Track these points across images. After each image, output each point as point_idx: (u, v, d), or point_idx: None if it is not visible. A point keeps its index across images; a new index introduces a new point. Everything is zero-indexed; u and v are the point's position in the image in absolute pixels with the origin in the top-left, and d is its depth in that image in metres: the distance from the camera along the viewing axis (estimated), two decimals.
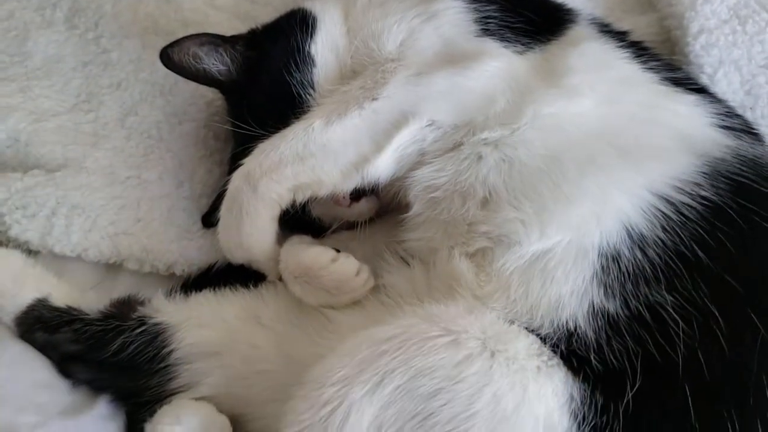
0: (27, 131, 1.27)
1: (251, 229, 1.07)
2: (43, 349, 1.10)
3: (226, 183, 1.10)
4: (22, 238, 1.18)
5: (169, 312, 1.10)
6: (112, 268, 1.23)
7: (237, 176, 1.08)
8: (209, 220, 1.22)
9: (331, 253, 1.07)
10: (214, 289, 1.15)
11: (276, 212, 1.08)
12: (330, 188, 1.06)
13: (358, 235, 1.17)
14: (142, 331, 1.09)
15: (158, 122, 1.29)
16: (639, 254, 0.88)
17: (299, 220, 1.13)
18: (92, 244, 1.20)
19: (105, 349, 1.08)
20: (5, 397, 1.02)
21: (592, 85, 0.99)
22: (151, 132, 1.30)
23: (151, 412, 1.06)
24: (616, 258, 0.88)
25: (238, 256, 1.10)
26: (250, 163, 1.06)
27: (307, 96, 1.09)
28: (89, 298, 1.14)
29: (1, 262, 1.14)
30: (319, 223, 1.19)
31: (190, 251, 1.21)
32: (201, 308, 1.11)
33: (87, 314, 1.11)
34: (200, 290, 1.15)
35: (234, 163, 1.16)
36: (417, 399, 0.81)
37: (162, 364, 1.08)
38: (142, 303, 1.13)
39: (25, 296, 1.11)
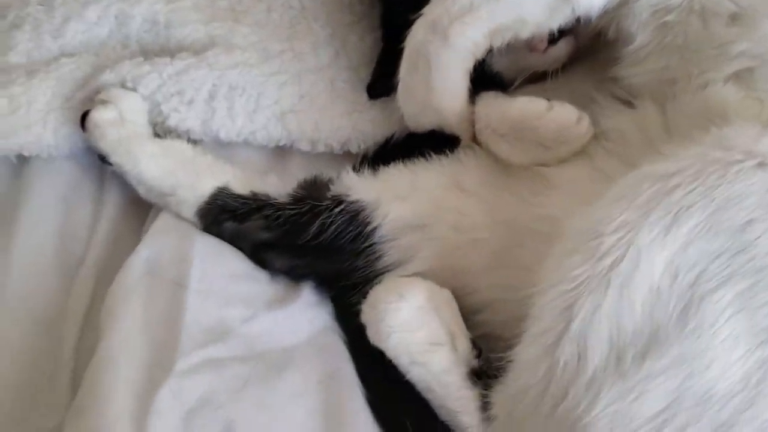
0: (164, 12, 1.12)
1: (443, 85, 0.94)
2: (233, 240, 0.99)
3: (391, 46, 0.98)
4: (183, 126, 1.06)
5: (364, 189, 0.98)
6: (281, 153, 1.10)
7: (419, 28, 0.93)
8: (374, 90, 1.08)
9: (543, 101, 0.94)
10: (401, 161, 1.02)
11: (470, 64, 0.95)
12: (532, 28, 0.91)
13: (549, 86, 1.03)
14: (341, 211, 0.97)
15: None
16: None
17: (475, 78, 0.99)
18: (259, 126, 1.07)
19: (303, 234, 0.97)
20: (208, 292, 0.92)
21: None
22: (292, 2, 1.16)
23: (361, 294, 0.95)
24: None
25: (425, 121, 0.98)
26: (434, 10, 0.92)
27: None
28: (271, 182, 1.02)
29: (170, 153, 1.02)
30: (499, 80, 1.05)
31: (364, 124, 1.08)
32: (397, 181, 0.99)
33: (275, 199, 0.99)
34: (385, 164, 1.02)
35: (389, 22, 1.01)
36: (723, 234, 0.68)
37: (366, 243, 0.97)
38: (329, 183, 1.01)
39: (204, 186, 1.00)
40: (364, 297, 0.94)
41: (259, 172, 1.06)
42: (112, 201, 1.06)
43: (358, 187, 0.98)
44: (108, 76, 1.06)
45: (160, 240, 0.98)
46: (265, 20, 1.15)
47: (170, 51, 1.12)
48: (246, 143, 1.08)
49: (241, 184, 1.01)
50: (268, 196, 0.99)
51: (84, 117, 1.01)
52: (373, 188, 0.98)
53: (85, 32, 1.12)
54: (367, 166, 1.02)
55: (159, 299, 0.91)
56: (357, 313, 0.93)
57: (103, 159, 1.02)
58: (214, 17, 1.13)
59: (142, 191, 1.01)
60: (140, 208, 1.06)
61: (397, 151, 1.04)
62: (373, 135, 1.08)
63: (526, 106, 0.92)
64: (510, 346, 0.75)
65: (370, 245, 0.97)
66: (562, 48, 1.01)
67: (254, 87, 1.07)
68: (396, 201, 0.97)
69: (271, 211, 0.98)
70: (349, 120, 1.07)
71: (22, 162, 1.07)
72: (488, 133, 0.96)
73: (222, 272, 0.96)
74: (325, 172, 1.05)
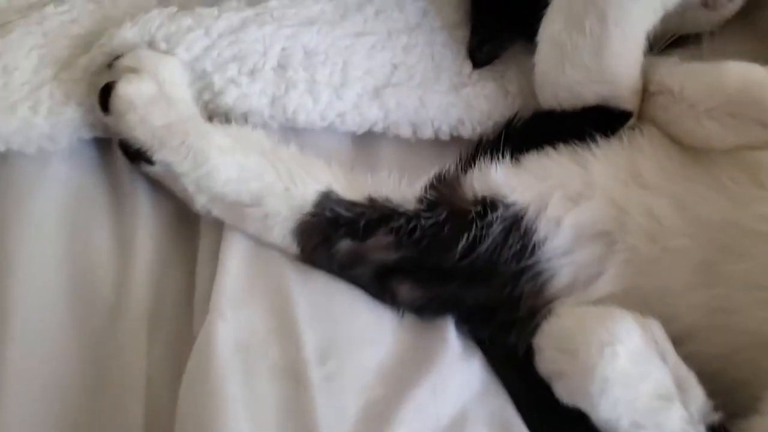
0: None
1: (621, 46, 0.71)
2: (348, 265, 0.69)
3: None
4: (242, 106, 0.73)
5: (521, 187, 0.71)
6: (363, 141, 0.80)
7: None
8: (480, 56, 0.82)
9: (761, 68, 0.71)
10: (544, 147, 0.75)
11: (657, 18, 0.72)
12: None
13: (705, 50, 0.81)
14: (495, 218, 0.70)
15: None
16: None
17: None
18: (349, 105, 0.77)
19: (447, 252, 0.69)
20: (333, 378, 0.63)
21: None
22: None
23: (525, 333, 0.68)
24: None
25: (586, 95, 0.73)
26: None
27: None
28: (387, 182, 0.73)
29: (246, 145, 0.69)
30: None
31: (478, 101, 0.80)
32: (561, 175, 0.73)
33: (402, 205, 0.70)
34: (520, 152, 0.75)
35: None
36: None
37: (531, 260, 0.70)
38: (464, 182, 0.73)
39: (304, 191, 0.69)
40: (528, 336, 0.67)
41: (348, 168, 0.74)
42: (140, 217, 0.72)
43: (511, 184, 0.71)
44: (128, 32, 0.71)
45: (240, 291, 0.66)
46: None
47: (206, 3, 0.78)
48: (326, 129, 0.76)
49: (348, 186, 0.70)
50: (390, 202, 0.69)
51: (105, 93, 0.66)
52: (533, 185, 0.71)
53: None
54: (496, 155, 0.73)
55: (268, 396, 0.61)
56: (524, 362, 0.67)
57: (133, 156, 0.67)
58: None
59: (201, 202, 0.68)
60: (182, 226, 0.72)
61: (531, 135, 0.76)
62: (488, 114, 0.79)
63: (748, 73, 0.68)
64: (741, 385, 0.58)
65: (536, 263, 0.69)
66: (737, 4, 0.78)
67: (338, 52, 0.76)
68: (566, 201, 0.71)
69: (401, 222, 0.69)
70: (458, 96, 0.79)
71: (2, 161, 0.69)
72: (681, 109, 0.71)
73: (342, 336, 0.66)
74: (435, 164, 0.76)
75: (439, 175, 0.72)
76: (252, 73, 0.73)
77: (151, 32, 0.71)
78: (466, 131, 0.79)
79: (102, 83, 0.68)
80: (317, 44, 0.76)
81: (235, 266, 0.66)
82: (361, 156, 0.79)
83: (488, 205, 0.70)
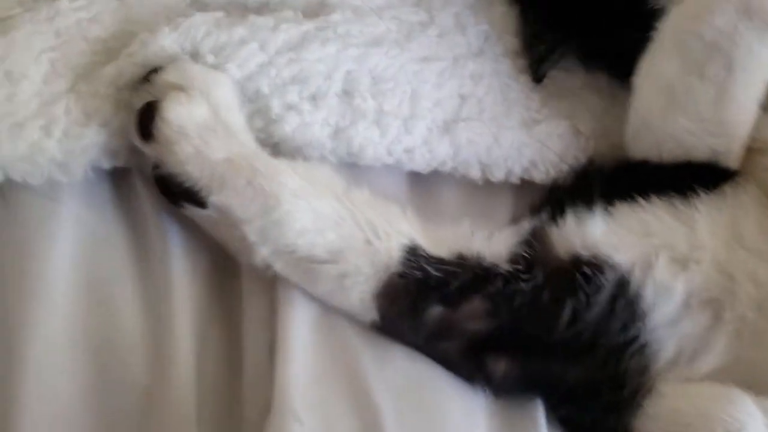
0: None
1: (744, 96, 0.62)
2: (436, 337, 0.58)
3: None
4: (302, 137, 0.61)
5: (618, 245, 0.62)
6: (426, 180, 0.68)
7: (719, 11, 0.60)
8: (541, 68, 0.72)
9: None
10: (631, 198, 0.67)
11: None
12: None
13: None
14: (602, 283, 0.60)
15: None
16: None
17: None
18: (419, 140, 0.65)
19: (549, 322, 0.59)
20: None
21: None
22: None
23: (626, 417, 0.59)
24: None
25: (698, 146, 0.64)
26: None
27: None
28: (466, 234, 0.61)
29: (319, 187, 0.56)
30: None
31: (552, 141, 0.71)
32: (661, 234, 0.64)
33: (496, 264, 0.59)
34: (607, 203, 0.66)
35: None
36: None
37: (637, 331, 0.61)
38: (552, 237, 0.62)
39: (386, 245, 0.56)
40: (629, 419, 0.59)
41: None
42: (172, 271, 0.58)
43: (612, 242, 0.61)
44: (166, 40, 0.56)
45: (313, 383, 0.54)
46: None
47: (245, 6, 0.64)
48: (385, 168, 0.64)
49: (431, 239, 0.59)
50: (483, 260, 0.58)
51: (147, 115, 0.52)
52: (635, 245, 0.62)
53: None
54: (587, 206, 0.64)
55: None
56: None
57: (178, 196, 0.53)
58: None
59: (262, 255, 0.55)
60: (221, 280, 0.58)
61: (620, 183, 0.67)
62: (562, 155, 0.70)
63: None
64: None
65: (641, 334, 0.60)
66: None
67: (407, 79, 0.65)
68: (673, 264, 0.62)
69: (497, 285, 0.57)
70: (530, 134, 0.69)
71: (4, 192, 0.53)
72: None
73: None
74: (503, 211, 0.66)
75: (532, 229, 0.61)
76: (314, 98, 0.60)
77: (196, 41, 0.57)
78: (539, 174, 0.69)
79: (140, 102, 0.53)
80: (385, 68, 0.64)
81: (301, 347, 0.53)
82: (419, 199, 0.67)
83: (593, 266, 0.59)
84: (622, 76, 0.71)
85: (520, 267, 0.59)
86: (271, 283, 0.58)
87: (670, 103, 0.63)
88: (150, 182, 0.59)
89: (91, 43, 0.57)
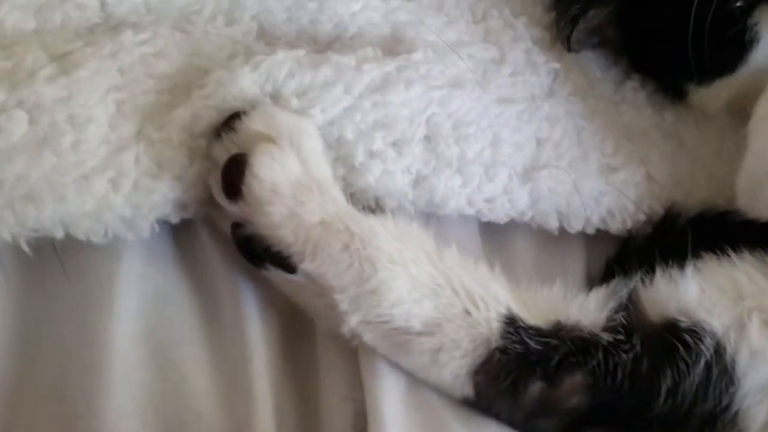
0: None
1: None
2: (535, 415, 0.53)
3: None
4: (386, 186, 0.56)
5: (711, 308, 0.58)
6: (497, 230, 0.64)
7: None
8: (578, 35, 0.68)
9: None
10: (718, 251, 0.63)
11: None
12: None
13: None
14: (700, 350, 0.56)
15: None
16: None
17: None
18: (499, 189, 0.61)
19: (649, 394, 0.55)
20: None
21: None
22: None
23: None
24: None
25: None
26: None
27: None
28: (559, 296, 0.57)
29: (405, 251, 0.51)
30: None
31: (628, 189, 0.67)
32: (753, 294, 0.60)
33: (596, 334, 0.55)
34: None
35: None
36: None
37: (730, 398, 0.58)
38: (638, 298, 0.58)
39: (485, 315, 0.52)
40: None
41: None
42: (247, 339, 0.52)
43: (705, 305, 0.57)
44: (246, 79, 0.50)
45: None
46: (438, 3, 0.66)
47: (314, 40, 0.58)
48: (461, 216, 0.59)
49: (524, 303, 0.54)
50: (581, 330, 0.54)
51: (235, 170, 0.46)
52: (729, 307, 0.58)
53: None
54: (673, 263, 0.60)
55: None
56: None
57: (263, 258, 0.47)
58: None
59: (352, 323, 0.49)
60: (296, 346, 0.52)
61: (705, 236, 0.64)
62: (638, 205, 0.66)
63: None
64: None
65: (734, 401, 0.57)
66: None
67: (489, 122, 0.60)
68: (766, 329, 0.58)
69: (599, 358, 0.53)
70: (608, 181, 0.65)
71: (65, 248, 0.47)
72: None
73: None
74: (577, 266, 0.63)
75: (627, 291, 0.57)
76: (398, 144, 0.55)
77: (278, 83, 0.51)
78: (615, 224, 0.65)
79: (223, 154, 0.47)
80: (467, 111, 0.59)
81: (394, 422, 0.48)
82: (491, 250, 0.62)
83: (691, 333, 0.55)
84: (667, 76, 0.69)
85: (621, 337, 0.54)
86: (351, 350, 0.52)
87: None
88: (219, 235, 0.52)
89: (157, 80, 0.51)
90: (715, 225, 0.64)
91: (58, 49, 0.48)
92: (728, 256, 0.61)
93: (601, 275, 0.66)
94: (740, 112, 0.64)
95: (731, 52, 0.64)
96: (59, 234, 0.46)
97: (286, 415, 0.51)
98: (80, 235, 0.46)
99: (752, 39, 0.63)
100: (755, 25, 0.63)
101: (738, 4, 0.62)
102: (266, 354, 0.51)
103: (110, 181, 0.47)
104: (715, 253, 0.61)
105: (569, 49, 0.67)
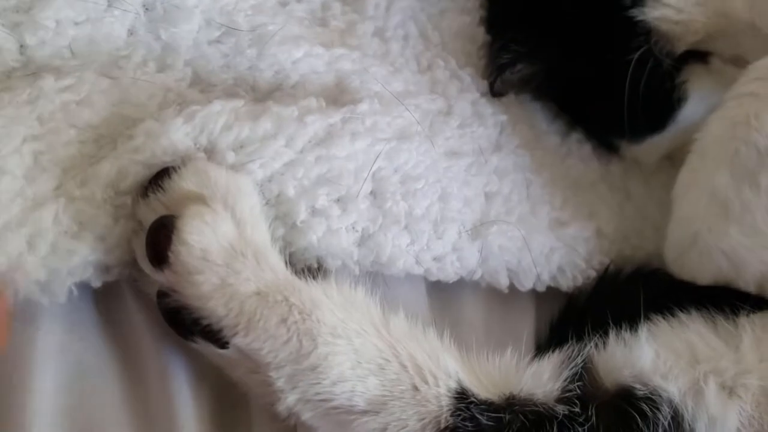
0: (246, 13, 0.56)
1: None
2: None
3: None
4: (329, 246, 0.52)
5: (667, 373, 0.56)
6: (444, 289, 0.61)
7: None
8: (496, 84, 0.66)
9: None
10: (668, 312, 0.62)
11: None
12: None
13: None
14: (658, 419, 0.55)
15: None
16: None
17: None
18: (448, 247, 0.58)
19: None
20: None
21: None
22: (405, 27, 0.68)
23: None
24: None
25: (752, 262, 0.59)
26: None
27: None
28: (510, 368, 0.54)
29: (349, 321, 0.48)
30: None
31: (578, 245, 0.65)
32: (708, 358, 0.59)
33: (549, 407, 0.52)
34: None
35: None
36: None
37: None
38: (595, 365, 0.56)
39: (434, 391, 0.49)
40: None
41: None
42: (177, 406, 0.47)
43: (661, 370, 0.55)
44: (178, 132, 0.46)
45: None
46: (383, 52, 0.63)
47: (253, 88, 0.55)
48: (411, 278, 0.56)
49: (474, 374, 0.51)
50: (534, 403, 0.51)
51: (161, 234, 0.41)
52: (685, 371, 0.56)
53: (81, 23, 0.49)
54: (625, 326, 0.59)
55: None
56: None
57: (191, 331, 0.43)
58: (325, 39, 0.58)
59: (289, 403, 0.45)
60: (231, 413, 0.48)
61: (657, 296, 0.62)
62: (588, 261, 0.64)
63: None
64: None
65: None
66: None
67: (437, 177, 0.57)
68: (722, 393, 0.57)
69: (552, 431, 0.50)
70: (557, 236, 0.63)
71: None
72: None
73: None
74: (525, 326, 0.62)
75: (577, 354, 0.54)
76: (342, 201, 0.51)
77: (213, 135, 0.47)
78: (566, 281, 0.63)
79: (149, 215, 0.43)
80: (415, 165, 0.56)
81: None
82: (439, 309, 0.59)
83: (648, 402, 0.53)
84: (600, 132, 0.69)
85: (576, 409, 0.51)
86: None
87: (721, 217, 0.58)
88: (145, 298, 0.48)
89: (80, 130, 0.46)
90: (655, 282, 0.63)
91: None
92: (678, 317, 0.58)
93: (548, 335, 0.63)
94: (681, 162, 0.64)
95: (662, 110, 0.63)
96: None
97: None
98: None
99: (680, 98, 0.63)
100: (683, 83, 0.63)
101: (667, 62, 0.60)
102: (197, 425, 0.46)
103: (25, 239, 0.41)
104: (662, 313, 0.59)
105: (493, 94, 0.66)
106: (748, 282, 0.58)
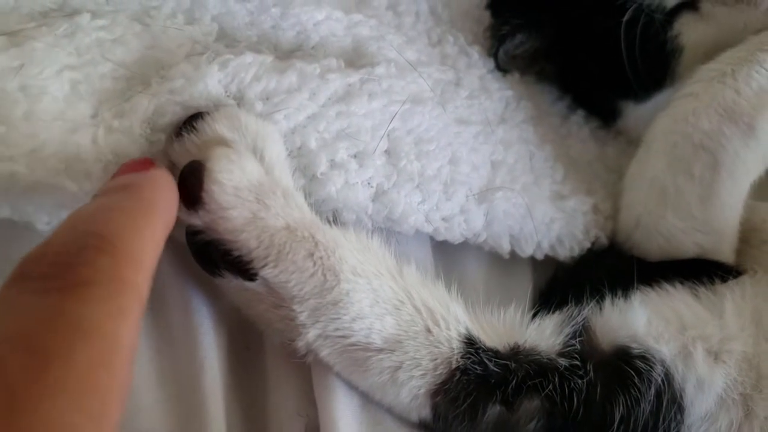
0: None
1: (729, 193, 0.63)
2: None
3: None
4: (346, 199, 0.55)
5: (660, 336, 0.58)
6: (449, 250, 0.63)
7: (704, 114, 0.61)
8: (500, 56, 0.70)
9: None
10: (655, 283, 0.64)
11: (763, 169, 0.64)
12: None
13: None
14: (651, 377, 0.57)
15: None
16: None
17: None
18: (456, 209, 0.60)
19: (603, 421, 0.55)
20: None
21: None
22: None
23: None
24: None
25: (687, 243, 0.64)
26: (714, 93, 0.61)
27: None
28: (514, 320, 0.57)
29: (368, 264, 0.50)
30: None
31: (577, 218, 0.68)
32: (695, 324, 0.62)
33: (552, 359, 0.55)
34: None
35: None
36: None
37: (679, 428, 0.58)
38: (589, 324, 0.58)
39: (446, 335, 0.51)
40: None
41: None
42: (201, 346, 0.48)
43: (654, 333, 0.58)
44: (212, 79, 0.48)
45: None
46: (396, 24, 0.66)
47: (276, 47, 0.57)
48: (420, 237, 0.59)
49: (481, 326, 0.53)
50: (538, 354, 0.53)
51: (193, 174, 0.43)
52: (675, 336, 0.59)
53: None
54: (622, 292, 0.61)
55: None
56: None
57: (219, 265, 0.45)
58: (344, 5, 0.61)
59: (310, 338, 0.47)
60: (246, 357, 0.50)
61: (645, 268, 0.65)
62: (586, 233, 0.68)
63: None
64: None
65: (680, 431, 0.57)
66: None
67: (448, 141, 0.59)
68: (709, 358, 0.60)
69: (554, 383, 0.52)
70: (557, 207, 0.66)
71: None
72: None
73: None
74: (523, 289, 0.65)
75: (578, 314, 0.57)
76: (360, 156, 0.53)
77: (244, 84, 0.49)
78: (564, 251, 0.66)
79: (181, 155, 0.44)
80: (427, 129, 0.58)
81: None
82: (443, 268, 0.61)
83: (644, 360, 0.55)
84: (605, 99, 0.71)
85: (576, 362, 0.54)
86: (303, 365, 0.50)
87: (659, 202, 0.62)
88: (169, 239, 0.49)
89: (114, 67, 0.47)
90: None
91: (9, 27, 0.44)
92: (665, 288, 0.61)
93: (542, 299, 0.66)
94: None
95: (661, 65, 0.66)
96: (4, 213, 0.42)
97: (236, 430, 0.48)
98: (28, 217, 0.42)
99: (674, 50, 0.65)
100: (676, 37, 0.65)
101: (658, 17, 0.64)
102: (218, 368, 0.47)
103: (63, 162, 0.43)
104: (650, 285, 0.62)
105: (498, 68, 0.69)
106: None
